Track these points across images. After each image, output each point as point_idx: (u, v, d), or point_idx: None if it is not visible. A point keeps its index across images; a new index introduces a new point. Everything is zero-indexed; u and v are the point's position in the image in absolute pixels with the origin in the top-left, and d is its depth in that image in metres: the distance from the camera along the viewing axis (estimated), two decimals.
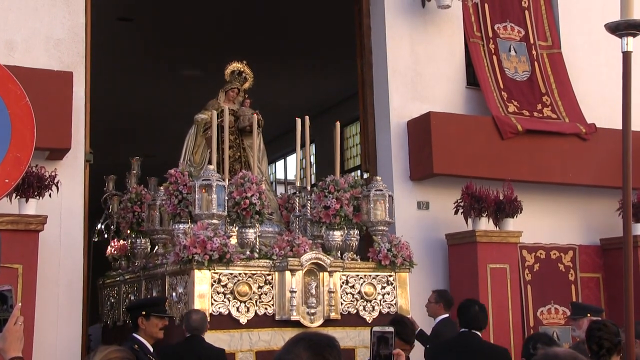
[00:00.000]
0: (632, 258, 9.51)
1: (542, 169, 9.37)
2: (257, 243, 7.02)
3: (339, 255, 7.33)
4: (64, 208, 7.66)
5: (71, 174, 7.79)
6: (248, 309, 6.73)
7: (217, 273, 6.62)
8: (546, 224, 9.56)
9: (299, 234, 7.37)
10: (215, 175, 6.86)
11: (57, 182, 7.22)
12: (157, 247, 7.90)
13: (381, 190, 7.41)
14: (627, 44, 4.06)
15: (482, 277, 8.59)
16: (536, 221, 9.36)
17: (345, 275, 7.18)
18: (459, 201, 8.78)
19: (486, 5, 9.88)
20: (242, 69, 8.91)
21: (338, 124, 8.18)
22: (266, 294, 6.82)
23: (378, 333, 3.41)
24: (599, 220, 9.64)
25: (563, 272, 9.53)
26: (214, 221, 6.72)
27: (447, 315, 7.43)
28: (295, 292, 6.78)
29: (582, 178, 9.51)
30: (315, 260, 6.90)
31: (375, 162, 9.43)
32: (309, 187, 7.76)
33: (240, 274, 6.73)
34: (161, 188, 7.73)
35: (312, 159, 17.06)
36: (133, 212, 8.16)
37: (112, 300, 8.53)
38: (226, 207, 6.82)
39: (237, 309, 6.68)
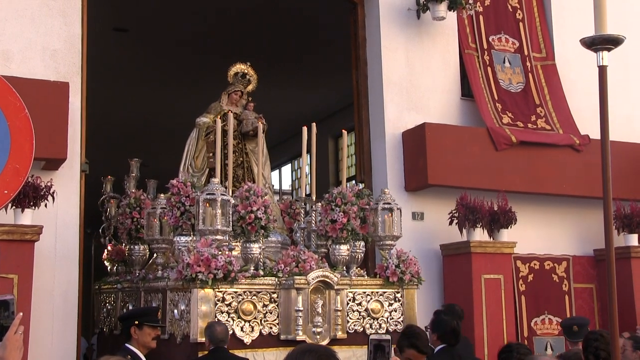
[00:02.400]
0: (626, 268, 9.57)
1: (536, 180, 9.41)
2: (262, 258, 6.85)
3: (345, 269, 7.20)
4: (59, 218, 7.65)
5: (67, 184, 7.79)
6: (252, 328, 6.57)
7: (221, 291, 6.44)
8: (540, 234, 9.59)
9: (303, 247, 7.22)
10: (220, 189, 6.67)
11: (53, 192, 7.22)
12: (156, 255, 7.74)
13: (389, 203, 7.31)
14: (602, 59, 4.11)
15: (476, 288, 8.60)
16: (530, 232, 9.40)
17: (352, 292, 7.04)
18: (453, 212, 8.80)
19: (481, 17, 9.94)
20: (245, 71, 8.70)
21: (345, 132, 8.04)
22: (271, 313, 6.66)
23: (375, 341, 3.41)
24: (593, 231, 9.67)
25: (557, 283, 9.56)
26: (218, 237, 6.53)
27: None
28: (301, 310, 6.61)
29: (575, 189, 9.55)
30: (322, 278, 6.72)
31: (370, 173, 9.45)
32: (314, 197, 7.62)
33: (245, 292, 6.57)
34: (162, 195, 7.57)
35: (307, 169, 17.10)
36: (132, 218, 7.98)
37: (109, 307, 8.38)
38: (230, 221, 6.63)
39: (242, 328, 6.53)
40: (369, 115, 9.55)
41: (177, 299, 6.71)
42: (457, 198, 8.79)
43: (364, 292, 7.13)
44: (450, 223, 8.83)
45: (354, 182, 13.24)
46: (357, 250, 7.31)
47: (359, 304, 7.08)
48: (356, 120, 9.74)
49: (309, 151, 7.71)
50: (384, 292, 7.20)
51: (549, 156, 9.48)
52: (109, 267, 8.91)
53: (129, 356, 5.76)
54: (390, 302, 7.23)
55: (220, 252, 6.34)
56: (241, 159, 8.43)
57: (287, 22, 11.64)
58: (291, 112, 13.91)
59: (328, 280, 6.75)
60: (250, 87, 8.81)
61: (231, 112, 8.16)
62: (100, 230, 9.14)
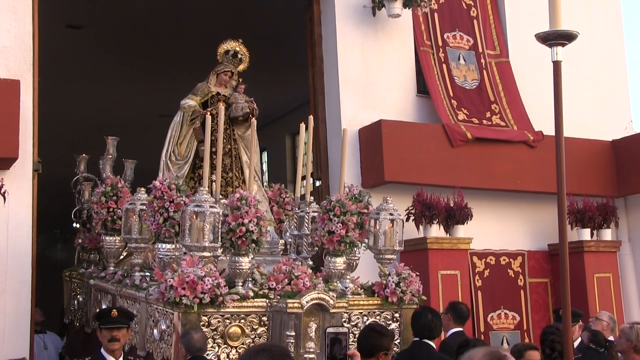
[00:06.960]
0: (579, 263, 9.68)
1: (491, 176, 9.49)
2: (251, 271, 6.21)
3: (339, 281, 6.57)
4: (11, 218, 7.53)
5: (19, 184, 7.66)
6: (239, 354, 5.92)
7: (206, 315, 5.83)
8: (496, 230, 9.68)
9: (295, 256, 6.69)
10: (209, 200, 5.99)
11: (4, 192, 7.09)
12: (132, 253, 7.09)
13: (392, 214, 6.57)
14: (556, 54, 4.15)
15: (433, 284, 8.66)
16: (486, 228, 9.48)
17: (347, 312, 6.37)
18: (410, 208, 8.84)
19: (436, 15, 10.00)
20: (237, 49, 8.00)
21: (346, 129, 7.34)
22: (260, 337, 6.01)
23: (332, 334, 3.35)
24: (547, 226, 9.80)
25: (512, 278, 9.65)
26: (205, 254, 5.91)
27: (459, 329, 6.80)
28: (293, 335, 5.86)
29: (530, 185, 9.66)
30: (318, 301, 5.93)
31: (327, 170, 9.45)
32: (308, 198, 6.92)
33: (232, 315, 5.94)
34: (142, 190, 6.80)
35: (265, 167, 17.04)
36: (107, 208, 7.26)
37: (80, 299, 7.96)
38: (219, 234, 5.96)
39: (228, 355, 5.91)
40: (325, 113, 9.55)
41: (158, 316, 6.12)
42: (413, 194, 8.83)
43: (361, 313, 6.51)
44: (407, 219, 8.85)
45: (311, 179, 13.23)
46: (353, 258, 6.73)
47: (355, 325, 6.43)
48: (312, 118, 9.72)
49: (305, 146, 7.15)
50: (382, 312, 6.58)
51: (504, 152, 9.58)
52: (80, 254, 8.41)
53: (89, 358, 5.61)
54: (388, 322, 6.58)
55: (207, 274, 5.75)
56: (229, 146, 7.78)
57: (244, 21, 11.57)
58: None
59: (323, 303, 5.95)
60: (241, 67, 8.12)
61: (222, 105, 7.35)
62: (72, 215, 8.60)
